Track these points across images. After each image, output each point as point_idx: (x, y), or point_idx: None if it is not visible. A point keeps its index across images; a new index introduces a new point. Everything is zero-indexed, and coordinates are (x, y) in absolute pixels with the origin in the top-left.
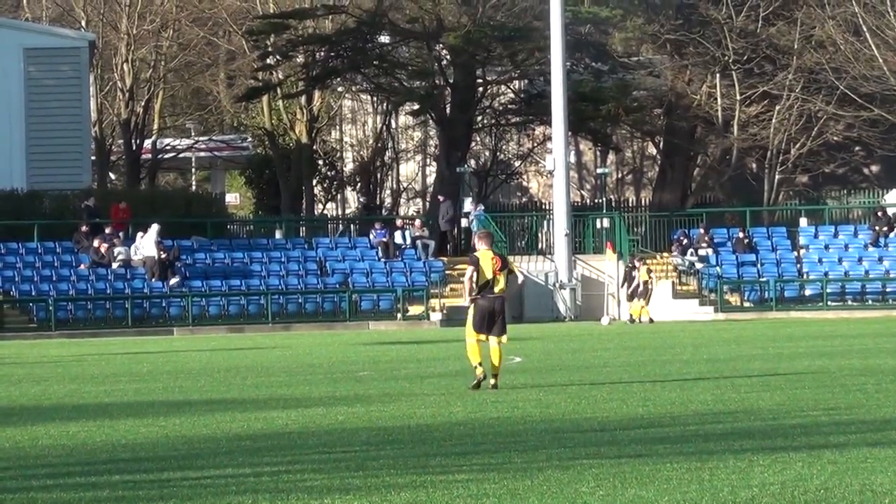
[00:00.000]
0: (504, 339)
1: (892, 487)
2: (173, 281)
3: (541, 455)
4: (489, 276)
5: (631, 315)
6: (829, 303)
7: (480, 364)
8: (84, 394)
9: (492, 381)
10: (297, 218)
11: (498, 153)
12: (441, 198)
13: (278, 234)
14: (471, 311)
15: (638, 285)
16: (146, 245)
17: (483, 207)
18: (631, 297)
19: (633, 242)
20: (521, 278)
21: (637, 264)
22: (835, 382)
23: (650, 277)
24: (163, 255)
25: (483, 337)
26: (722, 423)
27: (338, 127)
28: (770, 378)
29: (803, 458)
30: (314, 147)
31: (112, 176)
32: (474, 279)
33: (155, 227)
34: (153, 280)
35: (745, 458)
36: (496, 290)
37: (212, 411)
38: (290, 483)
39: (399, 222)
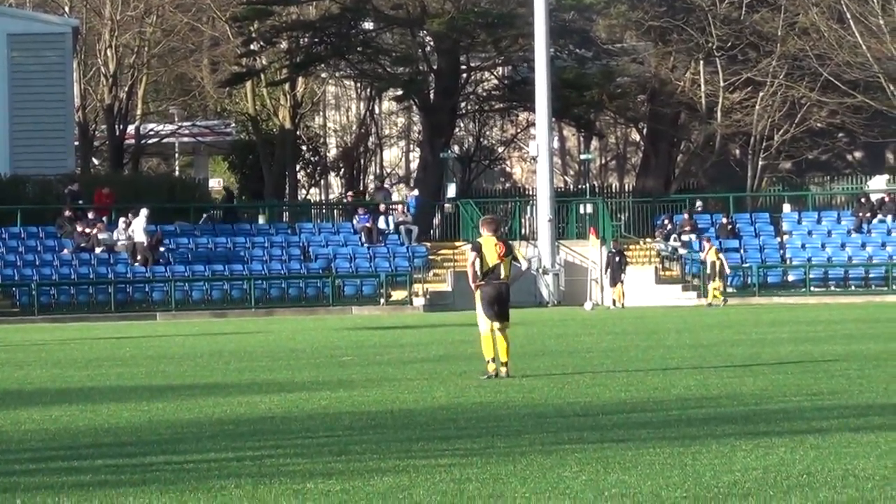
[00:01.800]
0: (507, 325)
1: (875, 472)
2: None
3: (524, 440)
4: (493, 262)
5: (710, 301)
6: (811, 288)
7: (493, 360)
8: (67, 378)
9: (503, 371)
10: (281, 203)
11: (481, 139)
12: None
13: (261, 220)
14: (478, 299)
15: (706, 267)
16: (137, 230)
17: (417, 192)
18: (613, 283)
19: (616, 228)
20: (525, 265)
21: (705, 245)
22: (817, 368)
23: (719, 257)
24: (140, 240)
25: (496, 324)
26: (705, 408)
27: (321, 113)
28: (753, 363)
29: (786, 442)
30: (297, 133)
31: (95, 161)
32: (477, 265)
33: (144, 212)
34: (142, 265)
35: (727, 443)
36: (502, 276)
37: (195, 396)
38: (273, 467)
39: (382, 207)
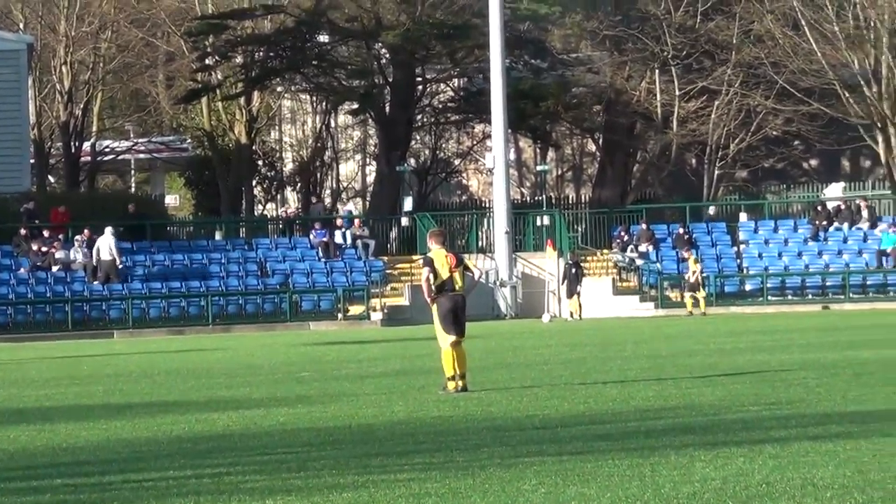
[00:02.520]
0: (462, 339)
1: (833, 481)
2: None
3: (483, 454)
4: (446, 275)
5: (690, 310)
6: (769, 297)
7: (453, 378)
8: (24, 398)
9: (459, 384)
10: (238, 219)
11: (438, 151)
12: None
13: (218, 236)
14: (435, 313)
15: (688, 278)
16: (103, 249)
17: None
18: (570, 295)
19: (572, 239)
20: (477, 274)
21: (685, 255)
22: (775, 377)
23: (698, 267)
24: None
25: (455, 338)
26: (663, 419)
27: (277, 127)
28: (711, 374)
29: (744, 452)
30: (254, 147)
31: (51, 179)
32: (431, 280)
33: (109, 230)
34: (102, 282)
35: (686, 453)
36: (456, 288)
37: (153, 414)
38: (232, 484)
39: (339, 222)
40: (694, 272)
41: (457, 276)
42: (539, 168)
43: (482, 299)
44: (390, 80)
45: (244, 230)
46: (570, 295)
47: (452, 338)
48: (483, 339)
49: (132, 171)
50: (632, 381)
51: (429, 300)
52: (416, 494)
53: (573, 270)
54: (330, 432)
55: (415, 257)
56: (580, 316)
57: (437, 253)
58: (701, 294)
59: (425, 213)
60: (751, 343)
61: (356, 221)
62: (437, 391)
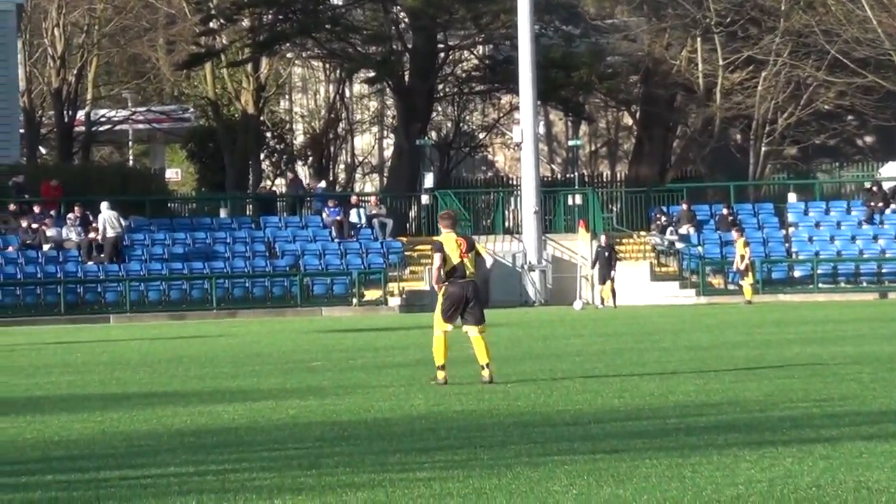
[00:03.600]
0: (484, 328)
1: (889, 484)
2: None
3: (509, 451)
4: (456, 260)
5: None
6: (820, 285)
7: (444, 367)
8: (13, 387)
9: (485, 376)
10: (244, 195)
11: (461, 124)
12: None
13: (223, 213)
14: (440, 300)
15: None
16: (107, 226)
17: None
18: (602, 281)
19: (607, 220)
20: (489, 261)
21: (734, 236)
22: (826, 371)
23: (746, 251)
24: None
25: (450, 327)
26: (705, 415)
27: (287, 96)
28: (757, 367)
29: (793, 453)
30: (262, 118)
31: (42, 150)
32: (442, 267)
33: (106, 206)
34: (107, 262)
35: (730, 453)
36: (467, 274)
37: (152, 405)
38: (238, 482)
39: (354, 199)
40: (742, 256)
41: (468, 261)
42: (571, 143)
43: (509, 285)
44: (409, 46)
45: (251, 207)
46: (602, 281)
47: (448, 327)
48: (510, 327)
49: (130, 143)
50: (671, 375)
51: (437, 287)
52: (436, 495)
53: (606, 254)
54: (344, 427)
55: (435, 238)
56: (614, 303)
57: (447, 237)
58: (748, 280)
59: (447, 190)
60: (800, 334)
61: (373, 199)
62: (428, 381)
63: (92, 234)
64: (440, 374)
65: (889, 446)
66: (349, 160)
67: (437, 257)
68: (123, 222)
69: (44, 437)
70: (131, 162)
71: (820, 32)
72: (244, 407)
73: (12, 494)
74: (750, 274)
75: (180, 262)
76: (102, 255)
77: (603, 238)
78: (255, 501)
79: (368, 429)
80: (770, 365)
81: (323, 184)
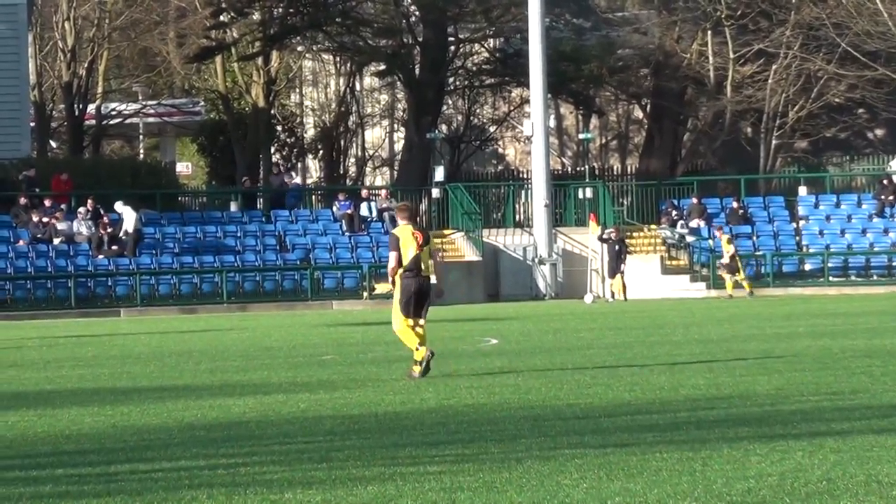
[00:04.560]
0: (422, 322)
1: None
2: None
3: (520, 445)
4: (412, 253)
5: (730, 293)
6: (830, 278)
7: (420, 345)
8: (24, 380)
9: (417, 370)
10: (255, 189)
11: (471, 118)
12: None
13: (234, 207)
14: (396, 294)
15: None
16: (128, 220)
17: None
18: (612, 274)
19: (617, 214)
20: (439, 256)
21: (716, 234)
22: (837, 364)
23: (731, 247)
24: (109, 231)
25: (412, 322)
26: (715, 409)
27: (298, 90)
28: (767, 360)
29: (804, 446)
30: (272, 112)
31: (53, 144)
32: (397, 261)
33: (120, 204)
34: (128, 255)
35: (740, 447)
36: (423, 267)
37: (163, 399)
38: (248, 476)
39: (365, 193)
40: (727, 252)
41: (423, 255)
42: (581, 136)
43: (520, 278)
44: (420, 39)
45: (261, 201)
46: (612, 274)
47: (410, 321)
48: (520, 320)
49: (140, 137)
50: (681, 368)
51: (391, 279)
52: (447, 488)
53: (616, 248)
54: (354, 420)
55: (446, 231)
56: (624, 297)
57: (404, 229)
58: (740, 276)
59: (458, 183)
60: (810, 327)
61: (383, 192)
62: (410, 376)
63: (102, 230)
64: (419, 353)
65: None
66: (360, 154)
67: (394, 254)
68: (138, 219)
69: (55, 430)
70: (142, 156)
71: (830, 25)
72: (255, 400)
73: (23, 488)
74: (740, 270)
75: (191, 255)
76: (115, 248)
77: (613, 231)
78: (266, 495)
79: (379, 422)
80: (781, 358)
81: (297, 179)
